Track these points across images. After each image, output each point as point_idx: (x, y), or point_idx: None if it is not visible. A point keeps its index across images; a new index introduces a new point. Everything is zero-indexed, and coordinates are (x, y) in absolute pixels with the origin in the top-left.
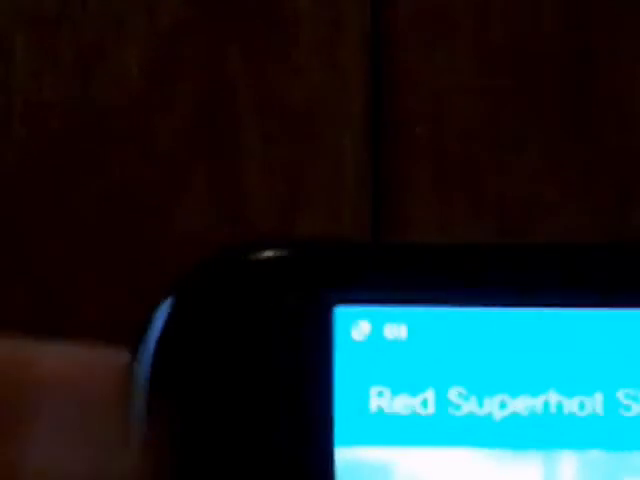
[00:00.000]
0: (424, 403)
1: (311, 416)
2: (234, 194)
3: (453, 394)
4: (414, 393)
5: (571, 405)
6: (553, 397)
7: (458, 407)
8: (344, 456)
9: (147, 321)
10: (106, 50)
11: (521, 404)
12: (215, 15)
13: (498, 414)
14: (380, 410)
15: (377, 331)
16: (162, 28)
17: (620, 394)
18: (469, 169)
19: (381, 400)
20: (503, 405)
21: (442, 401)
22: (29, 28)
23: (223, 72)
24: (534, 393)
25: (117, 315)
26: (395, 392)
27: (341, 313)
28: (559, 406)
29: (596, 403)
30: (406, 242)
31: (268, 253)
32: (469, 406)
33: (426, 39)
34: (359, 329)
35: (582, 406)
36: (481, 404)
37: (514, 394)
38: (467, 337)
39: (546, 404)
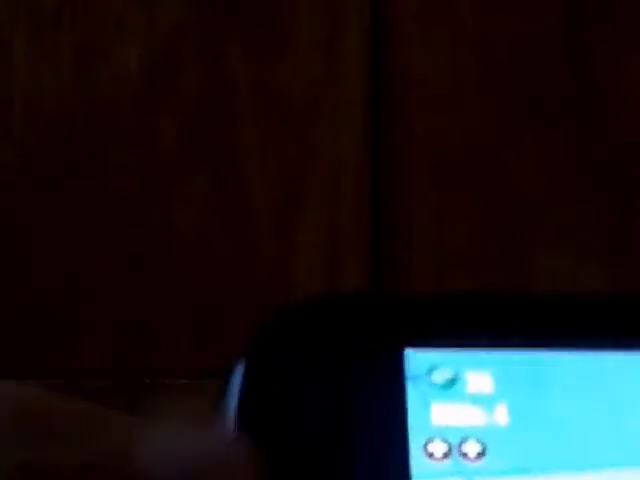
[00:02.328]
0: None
1: (386, 456)
2: (234, 192)
3: None
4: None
5: None
6: None
7: None
8: None
9: (227, 373)
10: (106, 50)
11: None
12: (215, 14)
13: None
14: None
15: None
16: (162, 28)
17: None
18: (469, 168)
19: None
20: None
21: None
22: (29, 28)
23: (223, 71)
24: None
25: (117, 314)
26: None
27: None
28: None
29: None
30: (469, 293)
31: (344, 309)
32: None
33: (426, 38)
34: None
35: None
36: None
37: None
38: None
39: None
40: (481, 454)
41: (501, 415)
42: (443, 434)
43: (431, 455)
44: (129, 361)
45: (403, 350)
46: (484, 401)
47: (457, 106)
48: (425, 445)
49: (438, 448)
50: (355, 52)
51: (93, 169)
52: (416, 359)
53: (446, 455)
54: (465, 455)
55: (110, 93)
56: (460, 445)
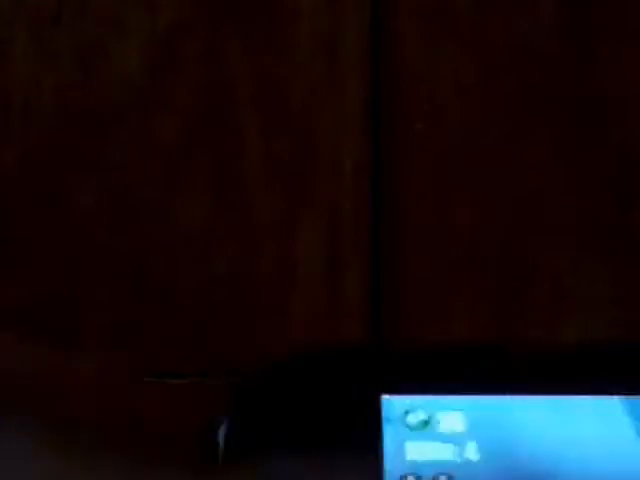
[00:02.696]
0: None
1: None
2: (235, 191)
3: None
4: None
5: None
6: None
7: None
8: None
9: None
10: (106, 49)
11: None
12: (215, 13)
13: None
14: None
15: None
16: (162, 27)
17: None
18: (469, 168)
19: None
20: None
21: None
22: (29, 28)
23: (223, 70)
24: None
25: (118, 312)
26: None
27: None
28: None
29: None
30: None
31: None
32: None
33: (426, 38)
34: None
35: None
36: None
37: None
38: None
39: None
40: None
41: (472, 452)
42: (417, 470)
43: None
44: (129, 361)
45: (380, 396)
46: (456, 439)
47: (457, 106)
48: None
49: None
50: (355, 52)
51: (93, 168)
52: (392, 404)
53: None
54: None
55: (110, 92)
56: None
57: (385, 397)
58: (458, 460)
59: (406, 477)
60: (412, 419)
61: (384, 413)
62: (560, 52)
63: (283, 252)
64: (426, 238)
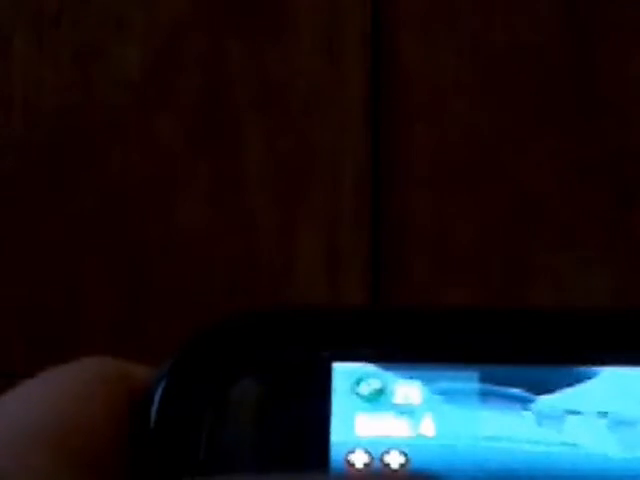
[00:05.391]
0: None
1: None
2: (235, 189)
3: None
4: None
5: None
6: None
7: None
8: None
9: (159, 377)
10: (106, 49)
11: None
12: (215, 14)
13: None
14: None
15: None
16: (162, 28)
17: None
18: (469, 168)
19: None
20: None
21: None
22: (29, 28)
23: (223, 70)
24: None
25: (119, 310)
26: None
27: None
28: None
29: None
30: (395, 307)
31: (270, 322)
32: None
33: (426, 38)
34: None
35: None
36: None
37: None
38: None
39: None
40: (404, 465)
41: (427, 427)
42: (366, 445)
43: (352, 465)
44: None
45: (330, 364)
46: (411, 412)
47: (457, 106)
48: (346, 455)
49: (359, 458)
50: (355, 52)
51: (93, 168)
52: (343, 372)
53: (367, 466)
54: (387, 466)
55: (110, 92)
56: (382, 456)
57: (336, 364)
58: (413, 435)
59: (354, 451)
60: (365, 389)
61: (334, 383)
62: (560, 52)
63: (283, 252)
64: (426, 238)
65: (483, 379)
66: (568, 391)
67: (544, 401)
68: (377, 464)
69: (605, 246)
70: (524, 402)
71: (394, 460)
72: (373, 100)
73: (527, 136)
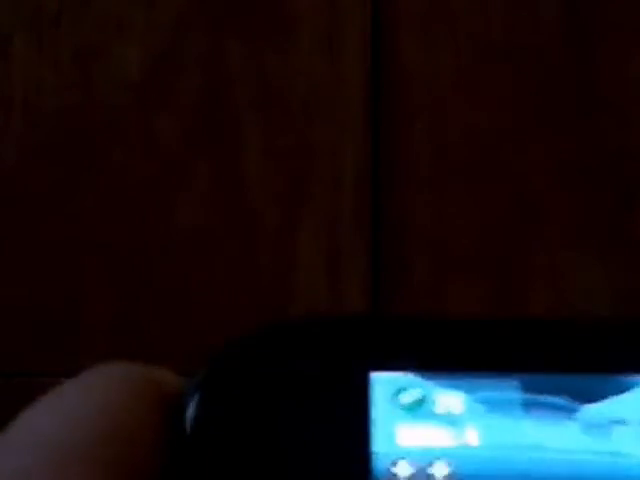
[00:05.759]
0: None
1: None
2: (235, 189)
3: None
4: None
5: None
6: None
7: None
8: None
9: (192, 387)
10: (106, 49)
11: None
12: (215, 13)
13: None
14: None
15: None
16: (162, 28)
17: None
18: (469, 168)
19: None
20: None
21: None
22: (29, 28)
23: (223, 71)
24: None
25: (119, 310)
26: None
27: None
28: None
29: None
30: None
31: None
32: None
33: (426, 38)
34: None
35: None
36: None
37: None
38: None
39: None
40: (449, 476)
41: (471, 436)
42: (409, 456)
43: (396, 477)
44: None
45: (368, 374)
46: (454, 422)
47: (457, 106)
48: (390, 467)
49: (403, 469)
50: (355, 52)
51: (93, 168)
52: (382, 382)
53: (412, 477)
54: (432, 477)
55: (110, 93)
56: (427, 467)
57: (375, 374)
58: (457, 444)
59: (397, 462)
60: (405, 399)
61: (372, 393)
62: (560, 52)
63: (283, 252)
64: (426, 238)
65: (525, 388)
66: (613, 400)
67: (589, 410)
68: (422, 475)
69: (605, 246)
70: (568, 411)
71: (439, 471)
72: (373, 100)
73: (527, 136)
